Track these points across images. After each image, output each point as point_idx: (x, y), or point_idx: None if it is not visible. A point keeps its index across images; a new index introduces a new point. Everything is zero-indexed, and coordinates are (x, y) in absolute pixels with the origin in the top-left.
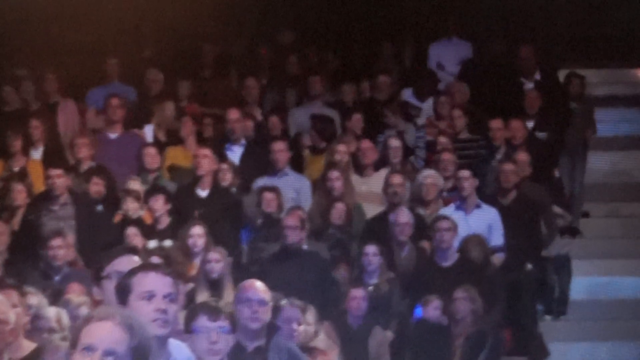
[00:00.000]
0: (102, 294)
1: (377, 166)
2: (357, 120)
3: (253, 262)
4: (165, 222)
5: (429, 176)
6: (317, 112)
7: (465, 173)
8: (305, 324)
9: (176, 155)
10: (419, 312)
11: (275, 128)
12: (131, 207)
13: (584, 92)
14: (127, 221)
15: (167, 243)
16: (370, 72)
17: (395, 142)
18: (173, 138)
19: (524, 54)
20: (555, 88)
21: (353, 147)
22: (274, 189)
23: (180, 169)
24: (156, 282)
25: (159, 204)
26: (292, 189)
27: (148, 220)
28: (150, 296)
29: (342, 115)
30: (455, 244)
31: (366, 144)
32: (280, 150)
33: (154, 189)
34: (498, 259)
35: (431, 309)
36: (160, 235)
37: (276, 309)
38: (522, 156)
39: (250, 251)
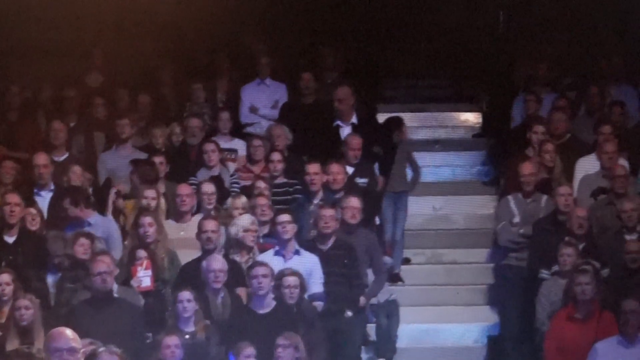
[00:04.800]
0: None
1: (193, 212)
2: (158, 164)
3: (61, 304)
4: None
5: (253, 222)
6: (128, 156)
7: (285, 217)
8: None
9: None
10: None
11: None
12: None
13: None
14: None
15: None
16: (182, 114)
17: (208, 187)
18: None
19: (341, 94)
20: (374, 132)
21: (160, 191)
22: (89, 235)
23: None
24: None
25: None
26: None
27: None
28: None
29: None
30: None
31: (185, 189)
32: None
33: None
34: (318, 306)
35: (243, 357)
36: None
37: (92, 356)
38: (354, 202)
39: (58, 293)
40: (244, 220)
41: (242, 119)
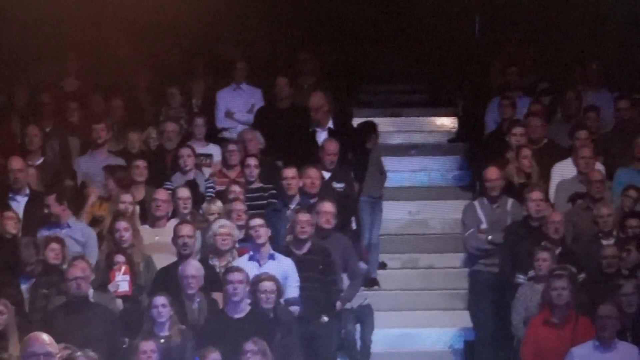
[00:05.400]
0: None
1: (169, 216)
2: (142, 168)
3: (36, 310)
4: None
5: (224, 226)
6: (103, 160)
7: (257, 221)
8: None
9: None
10: None
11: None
12: None
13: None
14: None
15: None
16: (158, 119)
17: (183, 192)
18: None
19: (314, 104)
20: (350, 137)
21: (140, 196)
22: (60, 240)
23: None
24: None
25: None
26: (76, 242)
27: None
28: None
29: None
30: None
31: (161, 194)
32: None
33: None
34: (294, 311)
35: None
36: None
37: None
38: (328, 207)
39: (32, 299)
40: (217, 225)
41: (218, 124)
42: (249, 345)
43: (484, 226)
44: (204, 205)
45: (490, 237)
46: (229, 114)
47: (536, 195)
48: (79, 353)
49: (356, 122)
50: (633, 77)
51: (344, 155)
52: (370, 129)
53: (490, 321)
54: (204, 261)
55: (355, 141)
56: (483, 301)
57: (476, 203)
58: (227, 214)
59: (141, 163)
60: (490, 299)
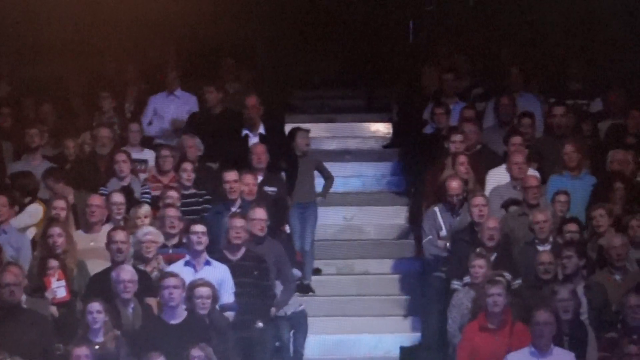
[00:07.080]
0: None
1: (103, 221)
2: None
3: None
4: None
5: (149, 233)
6: (38, 165)
7: (200, 227)
8: None
9: None
10: None
11: None
12: None
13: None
14: None
15: None
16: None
17: (117, 198)
18: None
19: (249, 103)
20: (281, 141)
21: (72, 200)
22: None
23: None
24: None
25: None
26: (11, 247)
27: None
28: None
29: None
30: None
31: (95, 200)
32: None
33: None
34: (229, 316)
35: None
36: None
37: None
38: (260, 213)
39: None
40: (141, 232)
41: (144, 129)
42: (196, 351)
43: (443, 233)
44: (131, 210)
45: (448, 244)
46: (175, 123)
47: (479, 200)
48: None
49: (292, 127)
50: (567, 82)
51: (276, 161)
52: (295, 134)
53: (438, 326)
54: (136, 266)
55: (287, 147)
56: (434, 306)
57: (437, 209)
58: (161, 220)
59: (51, 182)
60: (442, 305)
